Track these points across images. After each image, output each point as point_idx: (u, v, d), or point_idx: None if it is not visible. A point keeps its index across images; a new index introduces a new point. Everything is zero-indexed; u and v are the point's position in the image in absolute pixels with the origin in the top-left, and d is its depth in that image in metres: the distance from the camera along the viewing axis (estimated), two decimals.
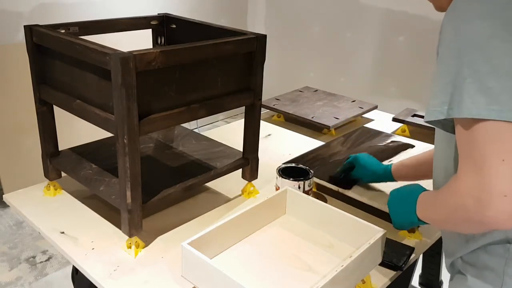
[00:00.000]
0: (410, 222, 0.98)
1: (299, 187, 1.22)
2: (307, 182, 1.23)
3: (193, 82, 1.10)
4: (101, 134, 1.23)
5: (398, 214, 1.03)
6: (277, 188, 1.26)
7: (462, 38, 0.73)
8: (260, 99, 1.27)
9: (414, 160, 1.24)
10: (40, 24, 1.18)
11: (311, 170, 1.27)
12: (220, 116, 4.14)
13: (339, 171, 1.36)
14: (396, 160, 1.45)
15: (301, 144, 1.73)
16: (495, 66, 0.70)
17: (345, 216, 1.07)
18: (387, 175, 1.28)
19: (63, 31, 1.23)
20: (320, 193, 1.38)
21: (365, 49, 3.49)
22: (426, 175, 1.16)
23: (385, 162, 1.41)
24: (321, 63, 3.80)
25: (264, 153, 1.55)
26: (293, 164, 1.31)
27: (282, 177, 1.24)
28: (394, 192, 1.07)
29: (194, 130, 1.63)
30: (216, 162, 1.31)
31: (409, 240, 1.18)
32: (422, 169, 1.19)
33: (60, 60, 1.13)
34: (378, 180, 1.31)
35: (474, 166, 0.72)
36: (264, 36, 1.20)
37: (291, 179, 1.23)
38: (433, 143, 0.99)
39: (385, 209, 1.23)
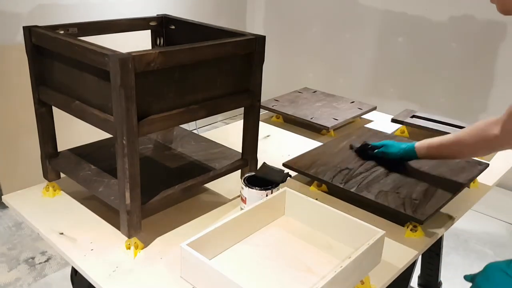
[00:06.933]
0: None
1: (267, 196, 1.16)
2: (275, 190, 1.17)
3: (192, 83, 1.10)
4: (100, 135, 1.23)
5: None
6: (243, 199, 1.20)
7: None
8: (259, 100, 1.27)
9: (438, 141, 1.35)
10: (39, 25, 1.18)
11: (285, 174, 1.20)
12: (219, 117, 4.14)
13: (362, 146, 1.51)
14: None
15: (300, 145, 1.73)
16: None
17: (344, 217, 1.07)
18: (411, 152, 1.40)
19: (62, 32, 1.23)
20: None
21: (364, 50, 3.49)
22: (448, 156, 1.37)
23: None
24: (320, 64, 3.81)
25: (263, 154, 1.55)
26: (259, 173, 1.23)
27: (249, 187, 1.17)
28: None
29: (193, 131, 1.63)
30: (215, 163, 1.31)
31: (413, 238, 1.18)
32: (445, 150, 1.33)
33: (59, 61, 1.13)
34: (402, 154, 1.42)
35: None
36: (263, 37, 1.20)
37: (256, 188, 1.16)
38: None
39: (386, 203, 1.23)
